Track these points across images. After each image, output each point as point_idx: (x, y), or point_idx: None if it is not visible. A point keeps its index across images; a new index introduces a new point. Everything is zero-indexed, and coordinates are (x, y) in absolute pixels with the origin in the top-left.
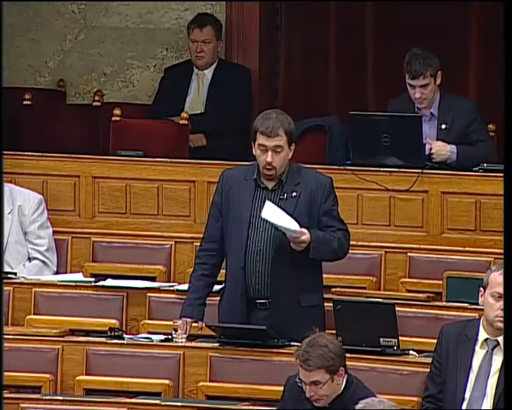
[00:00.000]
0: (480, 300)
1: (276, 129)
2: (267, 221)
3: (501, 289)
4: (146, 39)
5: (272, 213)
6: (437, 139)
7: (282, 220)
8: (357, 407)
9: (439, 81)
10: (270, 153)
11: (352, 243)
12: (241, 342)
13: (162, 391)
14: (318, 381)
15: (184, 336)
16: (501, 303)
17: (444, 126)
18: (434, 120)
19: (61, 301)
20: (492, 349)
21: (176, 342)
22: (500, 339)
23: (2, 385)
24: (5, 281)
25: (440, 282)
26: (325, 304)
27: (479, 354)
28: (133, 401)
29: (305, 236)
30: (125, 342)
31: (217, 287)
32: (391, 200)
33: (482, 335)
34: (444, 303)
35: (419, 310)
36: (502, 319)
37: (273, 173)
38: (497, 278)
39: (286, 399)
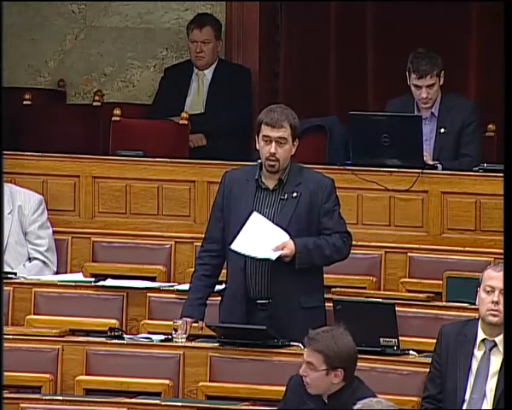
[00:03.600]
0: (477, 301)
1: (281, 121)
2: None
3: (492, 283)
4: (146, 39)
5: (253, 233)
6: (435, 143)
7: (260, 243)
8: (356, 407)
9: (442, 81)
10: (273, 144)
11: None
12: (241, 342)
13: (162, 391)
14: (313, 364)
15: (184, 336)
16: (492, 297)
17: (443, 130)
18: (434, 120)
19: (61, 301)
20: (490, 350)
21: (176, 342)
22: (497, 340)
23: (2, 385)
24: (5, 281)
25: (440, 282)
26: (325, 304)
27: (477, 355)
28: (133, 401)
29: (286, 250)
30: (125, 342)
31: (218, 287)
32: (391, 200)
33: (480, 335)
34: (444, 303)
35: (419, 310)
36: (493, 312)
37: (276, 165)
38: (489, 273)
39: (288, 398)
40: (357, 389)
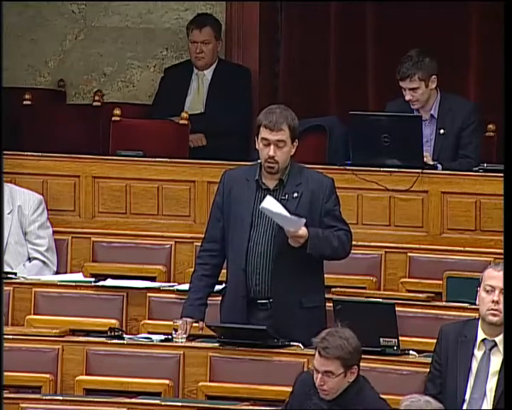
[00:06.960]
0: (477, 300)
1: (280, 123)
2: (268, 222)
3: (492, 282)
4: (146, 39)
5: (271, 206)
6: (435, 143)
7: (280, 214)
8: (404, 403)
9: (433, 85)
10: (272, 147)
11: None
12: (241, 342)
13: (162, 391)
14: (332, 372)
15: (184, 336)
16: (492, 296)
17: (442, 131)
18: (434, 122)
19: (61, 301)
20: (490, 350)
21: (176, 342)
22: (497, 339)
23: (2, 385)
24: (5, 281)
25: (440, 282)
26: (326, 304)
27: (477, 355)
28: (133, 401)
29: (302, 231)
30: (125, 342)
31: (218, 287)
32: (391, 200)
33: (480, 335)
34: (444, 303)
35: (419, 310)
36: (493, 312)
37: (275, 167)
38: (490, 272)
39: (296, 393)
40: (362, 389)
